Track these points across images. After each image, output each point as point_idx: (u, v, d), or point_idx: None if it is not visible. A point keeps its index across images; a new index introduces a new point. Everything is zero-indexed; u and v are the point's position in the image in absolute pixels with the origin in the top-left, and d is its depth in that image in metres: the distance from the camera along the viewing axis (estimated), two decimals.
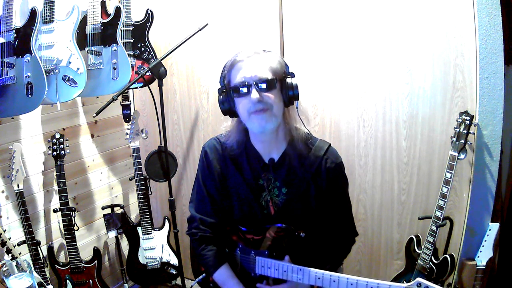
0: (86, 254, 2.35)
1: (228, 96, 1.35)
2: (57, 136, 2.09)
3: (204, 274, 1.54)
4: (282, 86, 1.33)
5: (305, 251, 1.41)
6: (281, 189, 1.41)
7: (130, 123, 2.33)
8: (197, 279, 1.56)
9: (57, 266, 2.15)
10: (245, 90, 1.29)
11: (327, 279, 1.28)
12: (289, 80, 1.33)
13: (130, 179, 2.44)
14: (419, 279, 1.19)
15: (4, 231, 1.89)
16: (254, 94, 1.27)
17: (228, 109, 1.38)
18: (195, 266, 1.62)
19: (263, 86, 1.28)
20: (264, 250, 1.39)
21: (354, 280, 1.24)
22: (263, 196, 1.42)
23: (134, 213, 2.73)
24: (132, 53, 2.15)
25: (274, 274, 1.35)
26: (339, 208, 1.47)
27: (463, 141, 1.69)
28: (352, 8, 1.93)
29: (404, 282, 1.22)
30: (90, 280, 2.21)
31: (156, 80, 2.01)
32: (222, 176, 1.45)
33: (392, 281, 2.01)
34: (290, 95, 1.33)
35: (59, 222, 2.24)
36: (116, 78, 2.01)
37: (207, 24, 1.98)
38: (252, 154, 1.42)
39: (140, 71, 2.05)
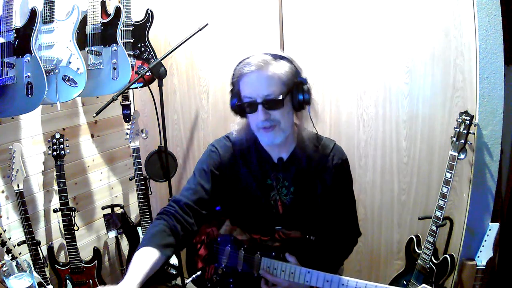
0: (86, 254, 2.35)
1: (238, 104, 1.33)
2: (57, 136, 2.09)
3: (199, 272, 1.51)
4: (293, 94, 1.30)
5: (312, 253, 1.40)
6: (289, 188, 1.41)
7: (130, 123, 2.33)
8: (191, 278, 1.54)
9: (57, 266, 2.15)
10: (252, 108, 1.28)
11: (335, 282, 1.28)
12: (300, 86, 1.30)
13: (130, 179, 2.44)
14: (424, 285, 1.20)
15: (4, 231, 1.89)
16: (261, 115, 1.26)
17: (238, 111, 1.37)
18: (190, 263, 1.59)
19: (270, 104, 1.26)
20: (271, 251, 1.39)
21: (363, 284, 1.24)
22: (272, 196, 1.42)
23: (134, 213, 2.73)
24: (132, 53, 2.15)
25: (280, 275, 1.35)
26: (344, 205, 1.47)
27: (463, 141, 1.69)
28: (352, 8, 1.93)
29: (412, 282, 1.22)
30: (90, 280, 2.21)
31: (156, 80, 2.01)
32: (232, 174, 1.43)
33: (392, 281, 2.02)
34: (300, 101, 1.30)
35: (59, 222, 2.24)
36: (116, 78, 2.01)
37: (207, 24, 1.98)
38: (261, 153, 1.42)
39: (140, 71, 2.05)
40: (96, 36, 2.03)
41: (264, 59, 1.28)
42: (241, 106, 1.32)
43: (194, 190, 1.39)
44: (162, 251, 1.21)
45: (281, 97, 1.26)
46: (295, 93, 1.30)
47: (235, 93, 1.35)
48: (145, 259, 1.18)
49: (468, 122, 1.68)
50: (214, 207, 1.46)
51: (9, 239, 1.88)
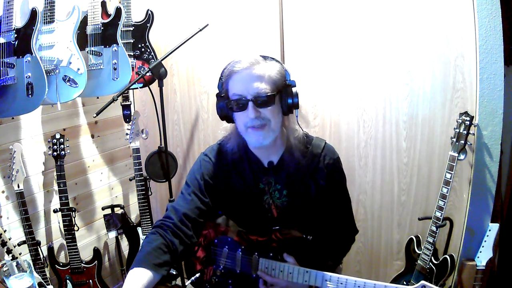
0: (86, 254, 2.35)
1: (226, 103, 1.33)
2: (57, 136, 2.09)
3: (198, 274, 1.51)
4: (282, 96, 1.30)
5: (309, 253, 1.40)
6: (282, 191, 1.41)
7: (130, 123, 2.33)
8: (190, 280, 1.54)
9: (57, 266, 2.15)
10: (242, 105, 1.27)
11: (334, 281, 1.28)
12: (289, 89, 1.30)
13: (130, 180, 2.44)
14: (423, 282, 1.20)
15: (5, 231, 1.89)
16: (251, 112, 1.25)
17: (226, 115, 1.37)
18: (188, 265, 1.59)
19: (261, 102, 1.25)
20: (269, 252, 1.39)
21: (362, 282, 1.24)
22: (265, 200, 1.42)
23: (134, 214, 2.73)
24: (132, 54, 2.15)
25: (279, 275, 1.35)
26: (339, 204, 1.47)
27: (463, 141, 1.69)
28: (353, 9, 1.94)
29: (412, 282, 1.22)
30: (90, 281, 2.21)
31: (157, 81, 2.01)
32: (225, 181, 1.43)
33: (392, 281, 2.02)
34: (289, 104, 1.30)
35: (59, 222, 2.24)
36: (117, 78, 2.02)
37: (207, 25, 1.99)
38: (251, 158, 1.42)
39: (140, 72, 2.05)
40: (96, 37, 2.03)
41: (255, 58, 1.29)
42: (229, 105, 1.30)
43: (189, 200, 1.38)
44: (156, 271, 1.21)
45: (272, 93, 1.26)
46: (284, 95, 1.30)
47: (223, 94, 1.34)
48: (138, 281, 1.16)
49: (468, 122, 1.68)
50: (210, 214, 1.45)
51: (9, 239, 1.88)
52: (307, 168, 1.39)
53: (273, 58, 1.33)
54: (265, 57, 1.32)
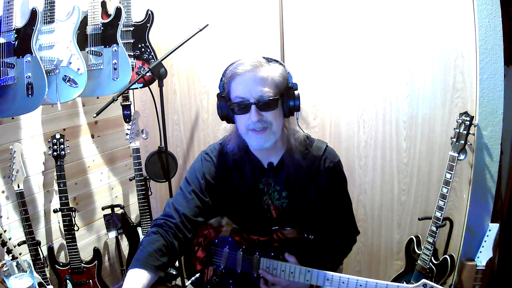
0: (86, 254, 2.35)
1: (227, 105, 1.33)
2: (57, 136, 2.09)
3: (198, 274, 1.51)
4: (284, 99, 1.30)
5: (311, 252, 1.40)
6: (281, 192, 1.41)
7: (130, 123, 2.33)
8: (190, 280, 1.54)
9: (57, 266, 2.15)
10: (244, 108, 1.26)
11: (336, 280, 1.28)
12: (291, 91, 1.30)
13: (130, 180, 2.44)
14: (424, 281, 1.20)
15: (5, 231, 1.89)
16: (254, 115, 1.25)
17: (226, 116, 1.37)
18: (188, 265, 1.60)
19: (264, 105, 1.25)
20: (270, 251, 1.39)
21: (364, 281, 1.25)
22: (264, 200, 1.42)
23: (134, 214, 2.73)
24: (132, 54, 2.15)
25: (280, 275, 1.35)
26: (340, 207, 1.47)
27: (463, 141, 1.69)
28: (353, 9, 1.94)
29: (412, 282, 1.22)
30: (90, 281, 2.21)
31: (157, 81, 2.01)
32: (226, 182, 1.43)
33: (392, 281, 2.02)
34: (291, 107, 1.30)
35: (59, 222, 2.24)
36: (117, 78, 2.02)
37: (207, 25, 1.99)
38: (252, 159, 1.42)
39: (140, 72, 2.05)
40: (96, 37, 2.03)
41: (258, 60, 1.28)
42: (231, 107, 1.30)
43: (190, 199, 1.38)
44: (156, 273, 1.22)
45: (275, 97, 1.26)
46: (286, 98, 1.30)
47: (225, 95, 1.33)
48: (139, 283, 1.17)
49: (468, 122, 1.68)
50: (209, 214, 1.45)
51: (9, 239, 1.88)
52: (307, 170, 1.39)
53: (276, 60, 1.33)
54: (268, 59, 1.31)
